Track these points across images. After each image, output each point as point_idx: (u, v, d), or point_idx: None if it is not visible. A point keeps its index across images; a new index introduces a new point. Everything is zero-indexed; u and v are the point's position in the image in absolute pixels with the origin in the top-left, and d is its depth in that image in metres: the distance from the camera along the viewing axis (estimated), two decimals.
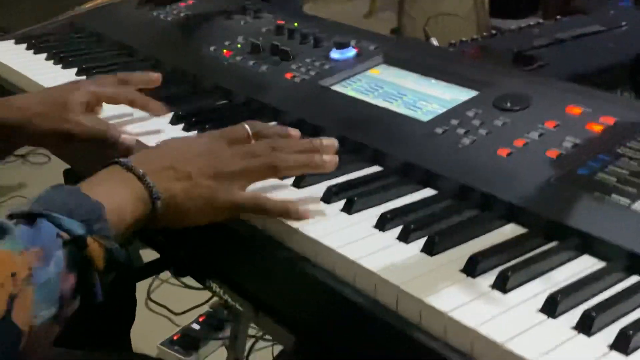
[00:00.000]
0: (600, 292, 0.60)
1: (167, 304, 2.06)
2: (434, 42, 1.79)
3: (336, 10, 4.66)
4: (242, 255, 0.78)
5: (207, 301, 2.05)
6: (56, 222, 0.60)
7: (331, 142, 0.77)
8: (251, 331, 1.79)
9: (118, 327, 1.12)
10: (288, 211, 0.71)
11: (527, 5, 3.52)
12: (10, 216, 0.61)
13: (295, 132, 0.80)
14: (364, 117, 0.91)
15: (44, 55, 1.22)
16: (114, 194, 0.66)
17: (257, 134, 0.78)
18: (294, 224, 0.71)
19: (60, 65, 1.17)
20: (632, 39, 1.47)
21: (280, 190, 0.78)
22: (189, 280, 2.16)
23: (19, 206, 0.62)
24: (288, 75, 1.03)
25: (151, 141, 0.88)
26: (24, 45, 1.27)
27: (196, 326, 1.93)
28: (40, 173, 2.81)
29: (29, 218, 0.60)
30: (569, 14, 2.00)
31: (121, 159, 0.71)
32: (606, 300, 0.58)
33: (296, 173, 0.76)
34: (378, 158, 0.84)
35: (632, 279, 0.62)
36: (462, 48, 1.67)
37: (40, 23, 1.42)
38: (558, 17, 1.80)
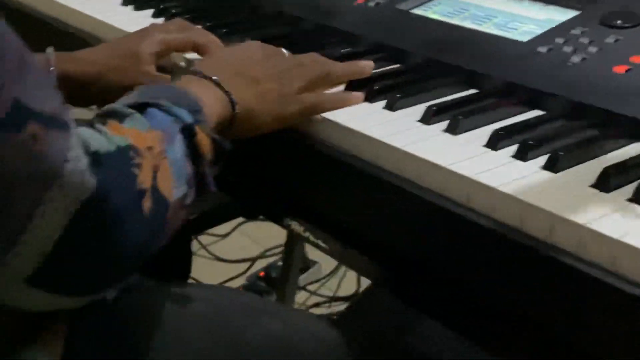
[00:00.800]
0: None
1: (199, 278, 2.06)
2: None
3: None
4: (330, 184, 0.78)
5: (242, 273, 2.07)
6: (166, 110, 0.64)
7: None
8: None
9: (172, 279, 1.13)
10: (345, 99, 0.80)
11: None
12: None
13: None
14: (453, 40, 0.91)
15: None
16: (199, 92, 0.69)
17: None
18: (395, 143, 0.71)
19: None
20: None
21: (372, 115, 0.78)
22: (222, 252, 2.18)
23: (121, 100, 0.65)
24: (360, 0, 1.03)
25: None
26: None
27: (258, 280, 1.95)
28: None
29: (137, 108, 0.63)
30: None
31: (192, 69, 0.75)
32: None
33: (345, 79, 0.84)
34: (474, 80, 0.84)
35: None
36: None
37: None
38: None
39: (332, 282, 2.04)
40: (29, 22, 1.20)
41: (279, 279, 1.84)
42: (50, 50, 0.85)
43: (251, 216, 0.89)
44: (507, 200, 0.62)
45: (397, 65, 0.91)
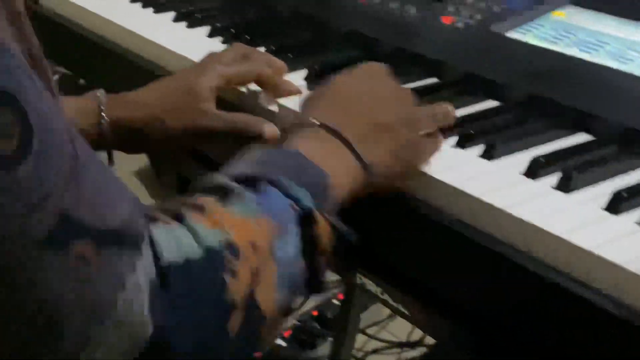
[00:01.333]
0: None
1: None
2: None
3: None
4: (411, 239, 0.74)
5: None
6: (284, 190, 0.58)
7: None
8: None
9: None
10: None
11: None
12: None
13: None
14: (557, 71, 0.87)
15: None
16: (329, 161, 0.64)
17: None
18: (497, 203, 0.67)
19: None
20: None
21: (466, 164, 0.74)
22: None
23: (232, 167, 0.60)
24: (446, 20, 0.99)
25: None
26: None
27: (282, 343, 1.90)
28: None
29: (250, 182, 0.58)
30: None
31: (314, 120, 0.69)
32: None
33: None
34: (585, 123, 0.80)
35: None
36: None
37: None
38: None
39: (394, 324, 1.99)
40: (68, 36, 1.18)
41: (336, 320, 1.80)
42: (101, 93, 0.83)
43: None
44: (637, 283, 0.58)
45: (493, 102, 0.87)
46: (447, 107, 0.76)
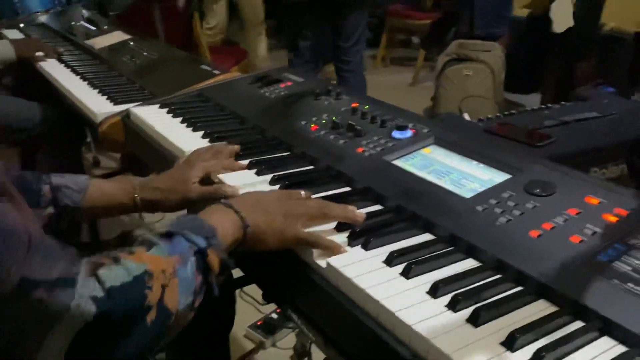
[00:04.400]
0: None
1: (255, 296, 1.98)
2: (466, 116, 1.70)
3: (387, 79, 4.57)
4: (315, 297, 0.70)
5: None
6: (187, 237, 0.62)
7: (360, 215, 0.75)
8: None
9: (220, 329, 1.05)
10: (328, 247, 0.69)
11: (530, 85, 3.44)
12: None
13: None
14: (418, 190, 0.83)
15: (180, 118, 1.17)
16: (220, 222, 0.67)
17: (309, 197, 0.79)
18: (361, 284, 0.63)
19: (191, 129, 1.12)
20: (621, 126, 1.37)
21: (350, 254, 0.70)
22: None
23: (159, 228, 0.64)
24: (359, 150, 0.95)
25: None
26: (166, 109, 1.23)
27: (274, 315, 1.85)
28: None
29: (167, 236, 0.62)
30: (564, 96, 1.91)
31: (222, 200, 0.73)
32: None
33: (339, 220, 0.74)
34: (429, 227, 0.75)
35: None
36: (489, 124, 1.58)
37: (178, 92, 1.39)
38: (563, 102, 1.70)
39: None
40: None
41: None
42: (134, 178, 0.86)
43: (266, 299, 0.83)
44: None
45: (378, 206, 0.82)
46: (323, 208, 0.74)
